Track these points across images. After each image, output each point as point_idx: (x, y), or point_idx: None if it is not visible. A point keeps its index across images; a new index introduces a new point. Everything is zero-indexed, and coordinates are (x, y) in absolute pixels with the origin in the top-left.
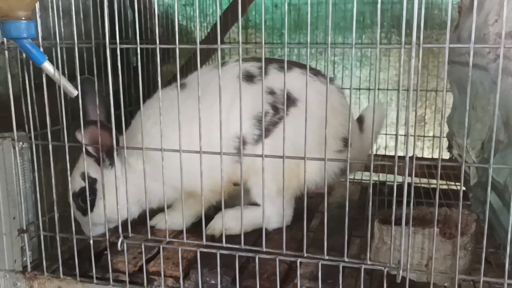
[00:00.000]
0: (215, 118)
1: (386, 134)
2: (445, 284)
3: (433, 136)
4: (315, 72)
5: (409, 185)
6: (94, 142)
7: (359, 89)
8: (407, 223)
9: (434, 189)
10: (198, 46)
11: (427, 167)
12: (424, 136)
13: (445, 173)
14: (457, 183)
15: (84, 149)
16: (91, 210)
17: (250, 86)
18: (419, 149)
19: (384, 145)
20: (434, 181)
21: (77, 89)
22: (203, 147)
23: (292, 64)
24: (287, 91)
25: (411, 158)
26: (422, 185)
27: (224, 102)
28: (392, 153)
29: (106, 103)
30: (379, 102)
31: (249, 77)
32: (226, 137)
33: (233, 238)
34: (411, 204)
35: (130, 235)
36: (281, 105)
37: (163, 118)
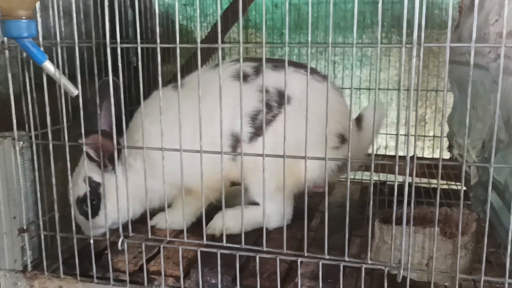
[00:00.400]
0: (209, 117)
1: (386, 134)
2: (446, 284)
3: (434, 136)
4: (311, 71)
5: (410, 185)
6: (97, 148)
7: (359, 89)
8: (407, 222)
9: (434, 189)
10: (199, 46)
11: (427, 167)
12: (424, 136)
13: (445, 173)
14: (457, 183)
15: (85, 154)
16: (97, 213)
17: (244, 85)
18: (419, 149)
19: (385, 145)
20: (434, 180)
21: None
22: (196, 145)
23: (287, 63)
24: (281, 90)
25: (411, 157)
26: (423, 185)
27: (218, 101)
28: (392, 153)
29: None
30: (379, 101)
31: (242, 77)
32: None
33: (233, 238)
34: (412, 204)
35: (130, 235)
36: (274, 103)
37: (159, 117)
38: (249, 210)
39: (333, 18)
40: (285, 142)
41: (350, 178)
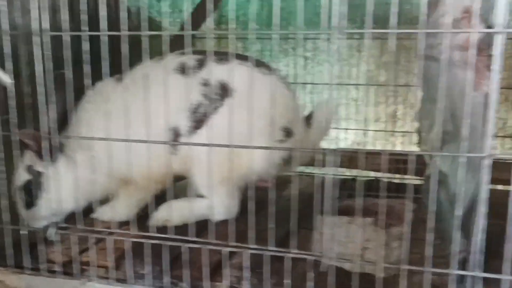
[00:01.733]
0: (147, 110)
1: (358, 129)
2: (382, 275)
3: (403, 131)
4: (258, 64)
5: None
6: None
7: (330, 84)
8: (341, 214)
9: (403, 184)
10: (167, 33)
11: (399, 162)
12: (397, 132)
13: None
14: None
15: (20, 144)
16: (36, 203)
17: (185, 78)
18: (391, 144)
19: (358, 140)
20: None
21: None
22: (132, 137)
23: (233, 56)
24: (223, 82)
25: (335, 150)
26: (394, 180)
27: (156, 94)
28: (360, 147)
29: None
30: (331, 98)
31: (184, 70)
32: (159, 129)
33: (179, 229)
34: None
35: (65, 226)
36: (215, 96)
37: (98, 110)
38: (193, 202)
39: (306, 13)
40: (221, 134)
41: (308, 172)
